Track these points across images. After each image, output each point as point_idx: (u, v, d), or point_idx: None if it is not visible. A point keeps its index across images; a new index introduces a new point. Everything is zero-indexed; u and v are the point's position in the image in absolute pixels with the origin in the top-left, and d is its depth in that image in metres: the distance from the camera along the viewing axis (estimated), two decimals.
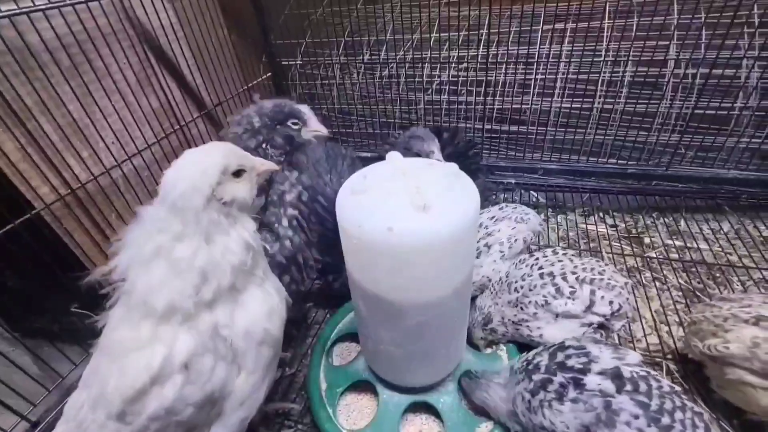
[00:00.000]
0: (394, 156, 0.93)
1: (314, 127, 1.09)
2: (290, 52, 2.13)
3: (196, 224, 0.73)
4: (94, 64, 1.26)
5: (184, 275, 0.72)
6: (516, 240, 1.25)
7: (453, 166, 0.88)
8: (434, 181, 0.84)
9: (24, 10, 1.07)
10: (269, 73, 2.11)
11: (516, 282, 1.10)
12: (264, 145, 1.04)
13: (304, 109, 1.09)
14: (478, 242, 1.27)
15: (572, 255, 1.15)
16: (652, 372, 0.83)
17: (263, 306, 0.82)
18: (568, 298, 1.04)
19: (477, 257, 1.26)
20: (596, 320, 1.04)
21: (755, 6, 1.44)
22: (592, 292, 1.04)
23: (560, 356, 0.87)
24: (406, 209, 0.77)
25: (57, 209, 1.20)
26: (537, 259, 1.14)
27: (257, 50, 2.09)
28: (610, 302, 1.04)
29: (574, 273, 1.07)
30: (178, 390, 0.72)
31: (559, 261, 1.11)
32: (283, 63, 2.14)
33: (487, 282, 1.24)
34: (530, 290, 1.08)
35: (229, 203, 0.78)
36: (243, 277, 0.80)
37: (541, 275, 1.09)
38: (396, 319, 0.89)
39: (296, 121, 1.07)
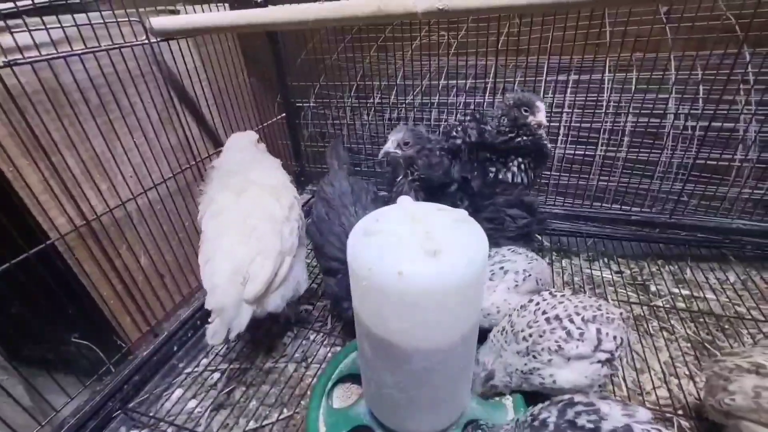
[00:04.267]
0: (404, 200, 0.96)
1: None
2: (304, 94, 2.23)
3: None
4: (120, 103, 1.33)
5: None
6: (529, 276, 1.26)
7: (462, 212, 0.91)
8: (444, 225, 0.86)
9: (62, 54, 1.15)
10: (283, 114, 2.20)
11: (523, 330, 1.09)
12: None
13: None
14: (493, 266, 1.29)
15: (569, 295, 1.16)
16: (663, 430, 0.81)
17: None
18: (578, 340, 1.04)
19: (491, 279, 1.27)
20: (604, 357, 1.04)
21: (749, 65, 1.51)
22: (599, 331, 1.05)
23: (570, 413, 0.85)
24: (417, 253, 0.79)
25: (70, 240, 1.23)
26: (537, 303, 1.14)
27: (273, 92, 2.20)
28: (614, 337, 1.05)
29: (578, 314, 1.07)
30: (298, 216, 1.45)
31: (560, 303, 1.12)
32: (297, 104, 2.23)
33: (495, 312, 1.23)
34: (540, 336, 1.06)
35: None
36: None
37: (548, 320, 1.08)
38: (401, 364, 0.88)
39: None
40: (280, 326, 1.59)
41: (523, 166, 1.54)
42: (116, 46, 1.29)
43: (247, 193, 1.37)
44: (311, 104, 2.25)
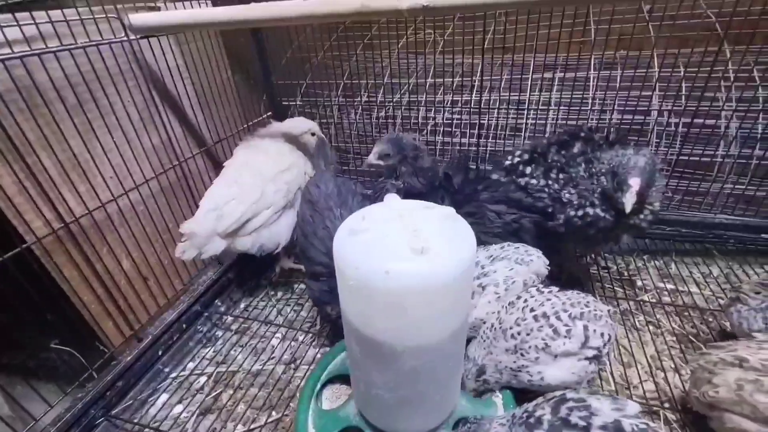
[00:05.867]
0: (391, 198, 0.95)
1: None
2: (291, 93, 2.21)
3: None
4: (99, 102, 1.29)
5: None
6: (513, 282, 1.21)
7: (450, 210, 0.90)
8: (431, 223, 0.85)
9: (36, 51, 1.11)
10: (269, 113, 2.17)
11: (511, 328, 1.09)
12: None
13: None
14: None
15: (556, 291, 1.15)
16: (652, 424, 0.81)
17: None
18: (565, 337, 1.04)
19: (471, 298, 1.25)
20: (591, 354, 1.05)
21: (729, 62, 1.54)
22: (585, 328, 1.05)
23: (563, 411, 0.85)
24: (404, 252, 0.78)
25: (48, 243, 1.19)
26: (525, 300, 1.13)
27: (259, 90, 2.17)
28: (602, 334, 1.06)
29: (565, 311, 1.08)
30: (296, 173, 1.69)
31: (548, 300, 1.11)
32: (283, 103, 2.21)
33: (480, 324, 1.22)
34: (527, 335, 1.06)
35: None
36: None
37: (535, 317, 1.08)
38: (391, 363, 0.87)
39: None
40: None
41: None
42: (93, 43, 1.25)
43: (249, 151, 1.70)
44: (298, 103, 2.22)
